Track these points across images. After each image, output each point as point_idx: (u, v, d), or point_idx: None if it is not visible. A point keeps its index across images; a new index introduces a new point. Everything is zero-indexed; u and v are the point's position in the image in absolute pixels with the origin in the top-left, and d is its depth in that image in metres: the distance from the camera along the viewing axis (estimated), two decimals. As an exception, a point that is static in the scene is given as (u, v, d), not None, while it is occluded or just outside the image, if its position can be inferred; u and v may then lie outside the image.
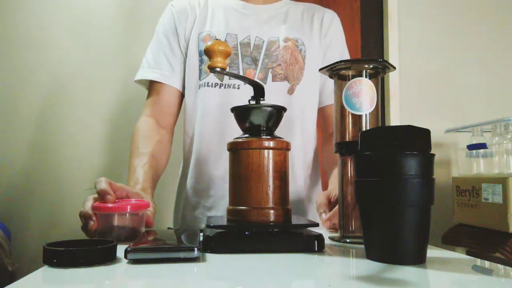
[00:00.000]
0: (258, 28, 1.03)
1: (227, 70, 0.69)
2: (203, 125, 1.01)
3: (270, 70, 1.01)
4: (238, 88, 0.99)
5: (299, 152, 1.02)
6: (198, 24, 1.04)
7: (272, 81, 1.00)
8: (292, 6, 1.10)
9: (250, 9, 1.06)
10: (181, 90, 1.05)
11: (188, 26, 1.04)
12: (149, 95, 1.06)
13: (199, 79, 1.01)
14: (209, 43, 0.67)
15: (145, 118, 1.03)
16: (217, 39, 0.67)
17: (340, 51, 1.11)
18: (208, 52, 0.66)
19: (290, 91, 1.02)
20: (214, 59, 0.66)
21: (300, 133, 1.03)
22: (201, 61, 1.02)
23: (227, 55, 0.67)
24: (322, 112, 1.12)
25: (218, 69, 0.66)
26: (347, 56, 1.13)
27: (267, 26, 1.04)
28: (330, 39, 1.09)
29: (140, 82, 1.07)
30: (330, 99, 1.08)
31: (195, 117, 1.02)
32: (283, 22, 1.06)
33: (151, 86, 1.05)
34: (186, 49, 1.04)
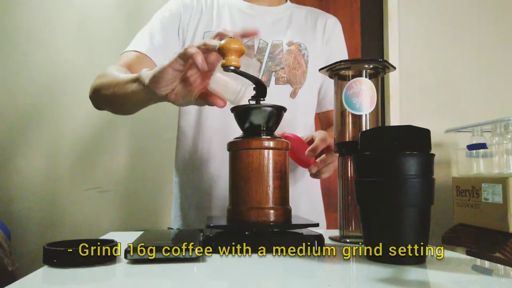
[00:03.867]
0: (263, 31, 1.02)
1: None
2: (204, 126, 1.01)
3: (274, 73, 1.01)
4: None
5: None
6: (204, 22, 1.03)
7: (275, 84, 1.01)
8: (296, 10, 1.10)
9: (255, 10, 1.05)
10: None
11: (192, 21, 1.02)
12: (125, 57, 0.98)
13: None
14: (222, 41, 0.66)
15: (116, 66, 0.93)
16: (230, 37, 0.66)
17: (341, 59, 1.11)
18: (222, 50, 0.65)
19: (293, 94, 1.02)
20: (229, 57, 0.65)
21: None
22: None
23: (241, 53, 0.66)
24: (325, 116, 1.12)
25: (232, 68, 0.65)
26: None
27: (272, 29, 1.04)
28: (332, 46, 1.10)
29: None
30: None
31: (196, 118, 1.02)
32: (287, 26, 1.06)
33: (132, 53, 0.98)
34: (184, 41, 1.02)
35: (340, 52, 1.12)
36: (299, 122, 1.02)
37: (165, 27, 1.01)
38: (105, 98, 0.88)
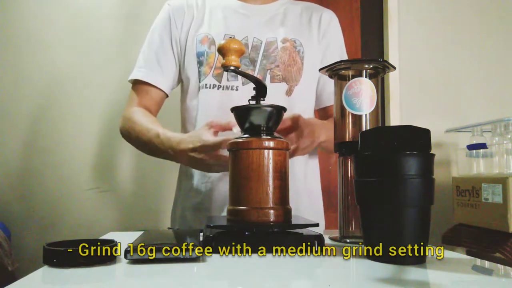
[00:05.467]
0: (257, 29, 1.03)
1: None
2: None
3: (268, 71, 1.00)
4: (237, 90, 0.99)
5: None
6: (196, 25, 1.03)
7: (271, 82, 1.00)
8: (290, 6, 1.09)
9: (249, 9, 1.05)
10: (166, 91, 1.05)
11: (184, 27, 1.04)
12: (135, 90, 1.06)
13: (199, 81, 1.01)
14: (222, 42, 0.66)
15: (136, 108, 1.03)
16: (230, 37, 0.67)
17: (339, 54, 1.11)
18: (222, 50, 0.66)
19: (289, 92, 1.01)
20: (229, 57, 0.66)
21: None
22: (199, 63, 1.01)
23: (241, 53, 0.67)
24: (324, 112, 1.12)
25: (232, 67, 0.66)
26: (345, 58, 1.12)
27: (266, 27, 1.04)
28: (328, 40, 1.09)
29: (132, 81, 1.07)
30: (332, 100, 1.08)
31: (196, 119, 1.02)
32: (281, 23, 1.05)
33: (138, 82, 1.05)
34: (184, 50, 1.04)
35: (336, 47, 1.10)
36: None
37: (159, 47, 1.04)
38: (138, 146, 1.03)
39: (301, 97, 1.03)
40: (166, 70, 1.04)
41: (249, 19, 1.04)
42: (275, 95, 0.97)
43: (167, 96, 1.07)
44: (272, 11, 1.07)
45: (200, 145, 0.82)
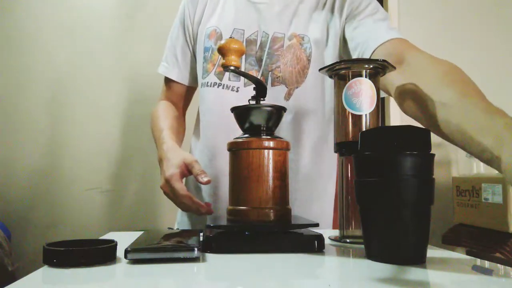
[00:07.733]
0: (267, 21, 0.96)
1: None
2: (206, 126, 1.00)
3: (270, 73, 0.95)
4: (237, 91, 0.95)
5: (293, 164, 0.91)
6: (206, 17, 1.00)
7: (272, 85, 0.94)
8: None
9: None
10: (186, 83, 1.06)
11: (197, 16, 1.02)
12: (164, 83, 1.10)
13: (202, 77, 1.00)
14: (222, 41, 0.67)
15: (162, 101, 1.08)
16: (230, 37, 0.68)
17: (369, 11, 0.92)
18: (221, 50, 0.67)
19: (287, 96, 0.95)
20: (229, 57, 0.67)
21: (295, 143, 0.94)
22: (204, 59, 0.98)
23: (241, 53, 0.68)
24: (381, 52, 0.85)
25: (232, 67, 0.67)
26: (381, 15, 0.92)
27: (277, 18, 0.96)
28: (349, 11, 0.94)
29: None
30: (378, 39, 0.85)
31: (200, 118, 1.02)
32: (294, 13, 0.96)
33: (164, 76, 1.09)
34: (195, 41, 1.03)
35: (365, 10, 0.92)
36: (295, 128, 0.94)
37: (176, 38, 1.05)
38: None
39: (303, 101, 0.95)
40: (182, 61, 1.04)
41: (261, 8, 0.97)
42: (273, 100, 0.88)
43: (193, 88, 1.08)
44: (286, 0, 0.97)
45: (163, 180, 0.83)
